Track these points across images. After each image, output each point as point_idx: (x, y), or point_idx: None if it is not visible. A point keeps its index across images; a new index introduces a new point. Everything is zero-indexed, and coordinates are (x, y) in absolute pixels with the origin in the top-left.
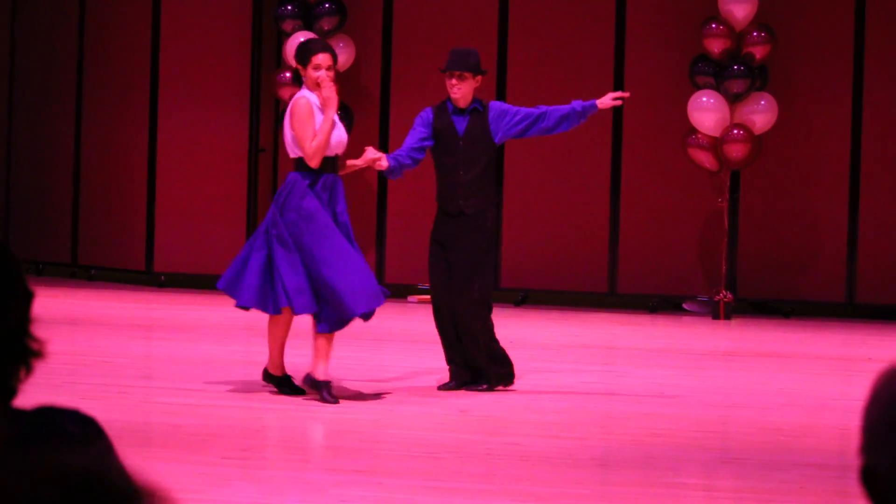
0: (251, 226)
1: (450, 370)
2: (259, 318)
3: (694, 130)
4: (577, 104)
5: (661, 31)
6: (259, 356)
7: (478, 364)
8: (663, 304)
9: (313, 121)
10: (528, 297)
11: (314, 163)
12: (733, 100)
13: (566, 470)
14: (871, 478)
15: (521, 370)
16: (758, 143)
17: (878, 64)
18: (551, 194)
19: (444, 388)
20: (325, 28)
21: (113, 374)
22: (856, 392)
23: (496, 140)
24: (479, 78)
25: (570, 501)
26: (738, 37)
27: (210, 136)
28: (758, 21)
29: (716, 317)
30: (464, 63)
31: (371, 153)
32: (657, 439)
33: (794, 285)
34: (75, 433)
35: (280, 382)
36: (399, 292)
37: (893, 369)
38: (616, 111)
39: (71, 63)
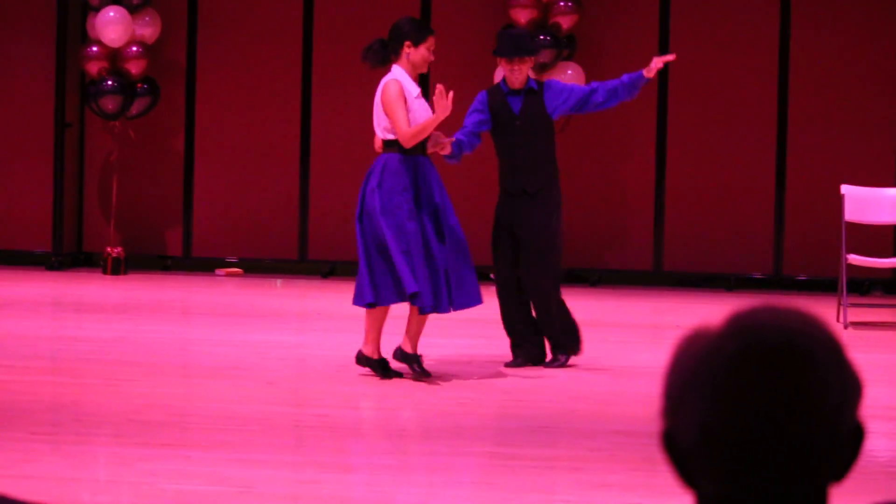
0: (58, 200)
1: (516, 351)
2: (72, 295)
3: None
4: (624, 77)
5: (468, 2)
6: (67, 330)
7: (551, 337)
8: None
9: (403, 101)
10: (336, 269)
11: (409, 144)
12: (541, 70)
13: (374, 440)
14: (670, 442)
15: (330, 342)
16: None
17: (683, 33)
18: (362, 167)
19: (511, 364)
20: (134, 2)
21: None
22: (664, 359)
23: (553, 117)
24: (532, 60)
25: (378, 471)
26: (544, 7)
27: (15, 110)
28: None
29: None
30: (522, 48)
31: (440, 137)
32: (465, 409)
33: (602, 255)
34: None
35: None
36: (207, 266)
37: (693, 335)
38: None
39: None
